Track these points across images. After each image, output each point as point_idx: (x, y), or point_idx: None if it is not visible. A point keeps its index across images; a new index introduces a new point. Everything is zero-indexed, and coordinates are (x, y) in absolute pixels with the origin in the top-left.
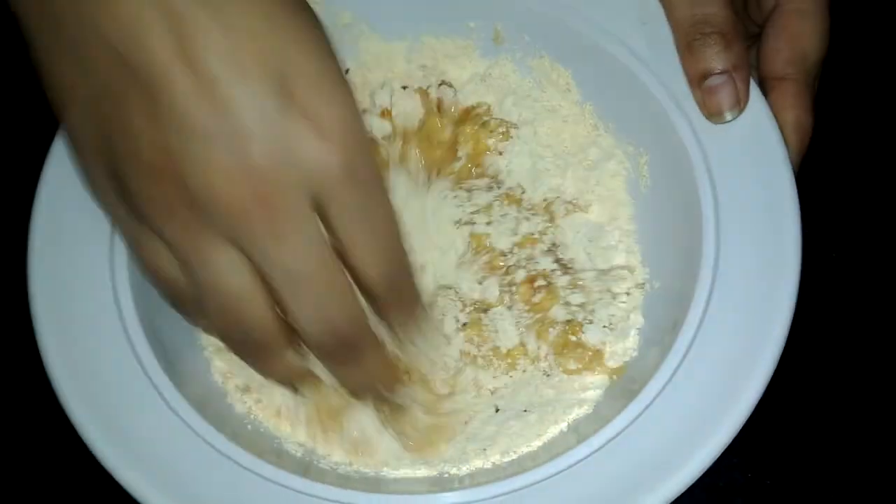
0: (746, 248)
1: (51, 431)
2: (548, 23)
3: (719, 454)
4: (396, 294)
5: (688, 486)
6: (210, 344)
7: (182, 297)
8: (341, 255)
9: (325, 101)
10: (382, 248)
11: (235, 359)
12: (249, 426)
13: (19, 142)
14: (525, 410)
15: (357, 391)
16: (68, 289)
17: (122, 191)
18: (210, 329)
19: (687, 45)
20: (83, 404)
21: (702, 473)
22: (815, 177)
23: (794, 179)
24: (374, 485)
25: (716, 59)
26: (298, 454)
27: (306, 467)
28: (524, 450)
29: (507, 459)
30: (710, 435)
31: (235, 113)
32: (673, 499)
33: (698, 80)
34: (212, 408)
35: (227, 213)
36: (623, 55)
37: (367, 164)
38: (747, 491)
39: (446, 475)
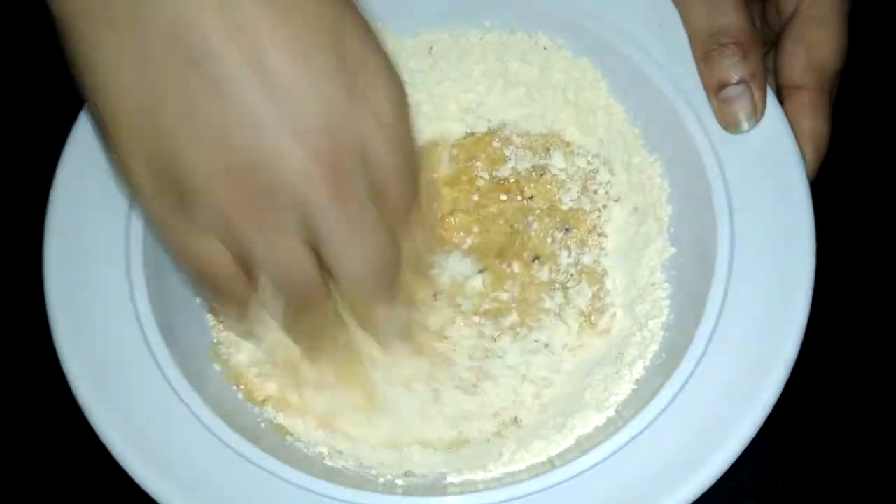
0: (761, 257)
1: (61, 422)
2: (565, 25)
3: (735, 459)
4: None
5: (703, 491)
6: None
7: (224, 284)
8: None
9: (384, 93)
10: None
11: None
12: (263, 424)
13: (33, 141)
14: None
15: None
16: (84, 289)
17: (174, 188)
18: (254, 307)
19: (704, 55)
20: (98, 398)
21: (715, 481)
22: (831, 186)
23: (809, 189)
24: (383, 486)
25: (733, 69)
26: (310, 453)
27: (316, 465)
28: (535, 456)
29: (520, 466)
30: (725, 440)
31: (300, 102)
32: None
33: (715, 90)
34: (226, 407)
35: (295, 191)
36: (640, 60)
37: (413, 157)
38: (759, 492)
39: (462, 480)
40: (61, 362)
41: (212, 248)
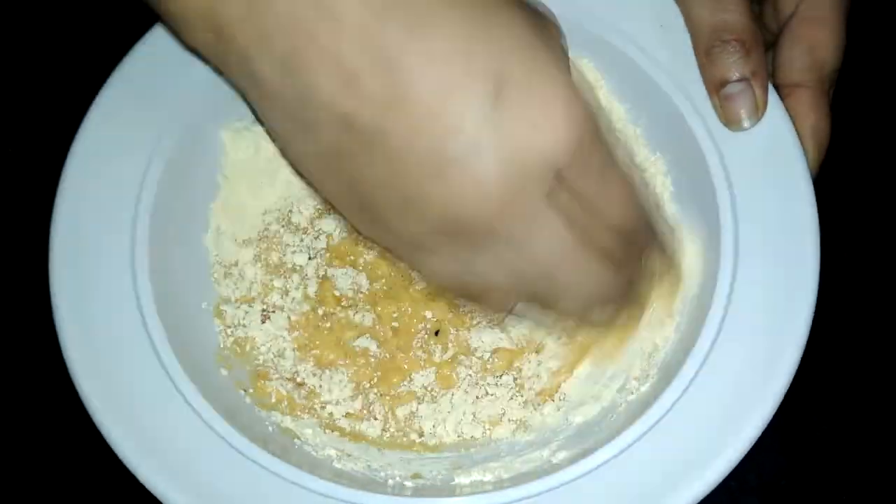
0: (765, 256)
1: (68, 428)
2: (565, 25)
3: (740, 459)
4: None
5: (709, 491)
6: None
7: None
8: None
9: (543, 98)
10: (624, 212)
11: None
12: (271, 428)
13: (38, 145)
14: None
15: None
16: (90, 295)
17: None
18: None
19: (705, 51)
20: (105, 403)
21: (720, 481)
22: (833, 184)
23: (812, 186)
24: (392, 488)
25: (734, 66)
26: (319, 455)
27: (324, 467)
28: (538, 456)
29: (525, 467)
30: (729, 440)
31: (457, 139)
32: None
33: (716, 88)
34: (234, 411)
35: (476, 233)
36: (641, 60)
37: (594, 142)
38: (762, 491)
39: (471, 481)
40: (68, 369)
41: (494, 282)
